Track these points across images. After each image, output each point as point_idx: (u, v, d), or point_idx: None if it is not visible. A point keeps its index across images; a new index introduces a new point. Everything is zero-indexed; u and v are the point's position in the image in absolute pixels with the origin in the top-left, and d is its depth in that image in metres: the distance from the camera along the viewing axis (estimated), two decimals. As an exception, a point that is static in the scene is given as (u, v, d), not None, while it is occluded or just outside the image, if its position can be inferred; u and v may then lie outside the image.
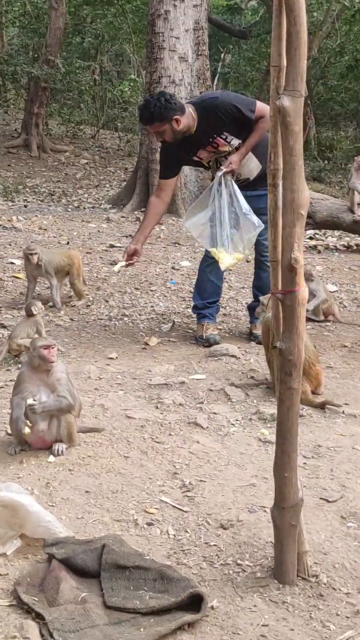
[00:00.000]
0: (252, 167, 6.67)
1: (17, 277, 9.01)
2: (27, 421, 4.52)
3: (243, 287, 8.74)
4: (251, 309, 7.23)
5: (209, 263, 6.92)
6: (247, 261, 9.66)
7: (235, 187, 6.46)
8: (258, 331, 6.97)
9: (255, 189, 6.57)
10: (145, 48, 15.51)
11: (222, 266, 6.52)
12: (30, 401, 4.52)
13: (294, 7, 2.89)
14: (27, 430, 4.51)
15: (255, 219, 6.38)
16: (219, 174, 6.46)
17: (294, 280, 3.14)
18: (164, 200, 6.88)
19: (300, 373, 3.28)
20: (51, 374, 4.61)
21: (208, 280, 7.03)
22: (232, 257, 6.44)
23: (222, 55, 26.86)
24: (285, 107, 2.98)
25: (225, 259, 6.44)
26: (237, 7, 21.45)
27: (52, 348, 4.60)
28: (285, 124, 3.00)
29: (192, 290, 7.44)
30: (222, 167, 6.51)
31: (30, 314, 6.61)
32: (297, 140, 3.02)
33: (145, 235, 6.81)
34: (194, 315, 7.24)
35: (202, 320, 7.07)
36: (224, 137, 6.53)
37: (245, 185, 6.61)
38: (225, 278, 7.58)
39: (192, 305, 7.32)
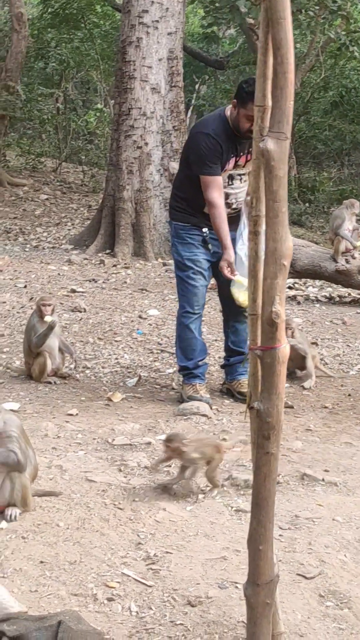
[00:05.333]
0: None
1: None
2: None
3: (216, 340, 8.78)
4: (227, 366, 7.27)
5: (192, 319, 6.92)
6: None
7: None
8: (247, 389, 6.94)
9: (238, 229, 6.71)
10: (115, 77, 15.71)
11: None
12: None
13: (281, 44, 2.95)
14: None
15: None
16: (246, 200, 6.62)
17: (275, 336, 3.17)
18: None
19: (280, 437, 3.30)
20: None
21: (194, 338, 6.96)
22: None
23: (197, 86, 27.18)
24: (269, 150, 3.02)
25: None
26: (214, 36, 21.72)
27: None
28: (269, 168, 3.04)
29: (174, 351, 7.40)
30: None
31: None
32: (282, 186, 3.07)
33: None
34: (163, 371, 7.23)
35: (192, 380, 6.97)
36: None
37: (233, 219, 6.72)
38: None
39: (178, 367, 7.18)
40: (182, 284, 6.95)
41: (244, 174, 6.78)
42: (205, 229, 6.81)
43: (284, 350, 3.20)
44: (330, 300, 11.61)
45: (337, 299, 11.62)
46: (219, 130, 6.61)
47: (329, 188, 22.64)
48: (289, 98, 3.02)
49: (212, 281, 7.19)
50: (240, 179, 6.80)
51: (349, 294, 11.76)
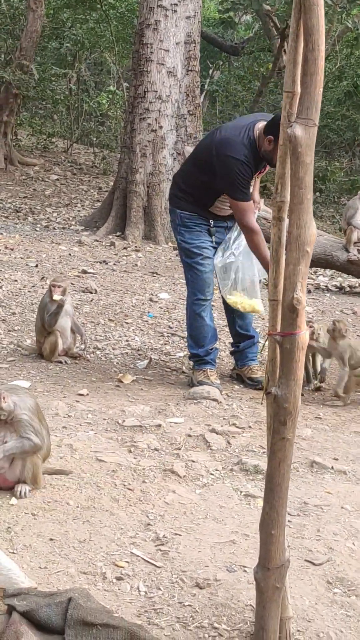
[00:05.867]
0: None
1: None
2: None
3: (227, 325, 8.77)
4: (237, 352, 7.28)
5: (204, 306, 6.93)
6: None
7: None
8: (257, 375, 6.97)
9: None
10: (132, 59, 15.65)
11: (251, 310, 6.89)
12: None
13: (313, 30, 2.95)
14: None
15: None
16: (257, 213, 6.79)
17: (295, 322, 3.18)
18: None
19: (296, 423, 3.31)
20: (10, 418, 4.60)
21: (205, 325, 6.97)
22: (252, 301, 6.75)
23: (211, 71, 27.10)
24: (296, 136, 3.03)
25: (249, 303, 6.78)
26: (231, 21, 21.66)
27: None
28: (296, 154, 3.05)
29: (184, 335, 7.45)
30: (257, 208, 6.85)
31: None
32: (308, 172, 3.07)
33: None
34: (174, 354, 7.25)
35: (203, 366, 6.98)
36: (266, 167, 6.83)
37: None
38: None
39: (189, 354, 7.15)
40: (191, 270, 6.93)
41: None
42: (211, 220, 6.86)
43: (303, 336, 3.20)
44: (340, 289, 11.61)
45: (348, 288, 11.62)
46: (250, 157, 6.53)
47: (340, 178, 22.54)
48: (318, 85, 3.03)
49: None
50: None
51: (360, 284, 11.79)
